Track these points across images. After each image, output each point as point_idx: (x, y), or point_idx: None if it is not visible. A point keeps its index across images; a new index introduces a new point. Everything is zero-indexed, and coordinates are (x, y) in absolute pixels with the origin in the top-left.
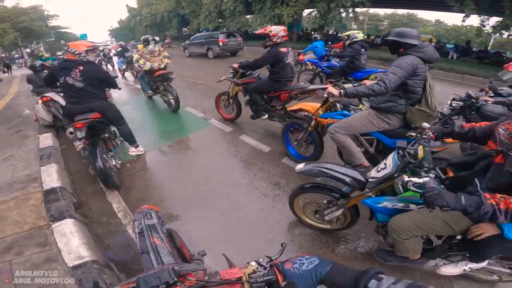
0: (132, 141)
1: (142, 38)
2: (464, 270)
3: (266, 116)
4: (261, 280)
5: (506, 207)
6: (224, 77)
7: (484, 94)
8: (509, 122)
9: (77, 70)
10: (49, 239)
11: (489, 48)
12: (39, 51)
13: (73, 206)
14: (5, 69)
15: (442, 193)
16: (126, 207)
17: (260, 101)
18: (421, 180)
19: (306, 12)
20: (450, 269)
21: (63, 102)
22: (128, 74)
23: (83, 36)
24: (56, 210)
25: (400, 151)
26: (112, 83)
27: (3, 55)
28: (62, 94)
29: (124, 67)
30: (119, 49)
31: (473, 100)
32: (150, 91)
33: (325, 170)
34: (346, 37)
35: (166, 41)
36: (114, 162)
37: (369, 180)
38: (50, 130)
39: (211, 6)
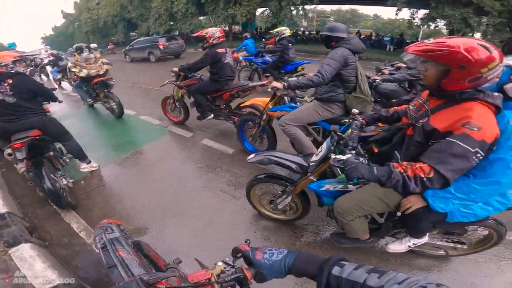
0: (83, 157)
1: (74, 46)
2: (409, 246)
3: (212, 116)
4: (229, 279)
5: (414, 174)
6: (167, 81)
7: (380, 75)
8: (418, 99)
9: (6, 84)
10: (9, 264)
11: (419, 39)
12: None
13: (26, 230)
14: None
15: (358, 166)
16: (88, 226)
17: (204, 101)
18: (344, 157)
19: (259, 11)
20: (396, 246)
21: None
22: (65, 83)
23: (12, 46)
24: (9, 236)
25: (333, 134)
26: (49, 96)
27: None
28: None
29: (59, 76)
30: (52, 58)
31: (369, 81)
32: (90, 100)
33: (273, 158)
34: (276, 34)
35: (108, 47)
36: (65, 182)
37: (310, 164)
38: None
39: (161, 9)
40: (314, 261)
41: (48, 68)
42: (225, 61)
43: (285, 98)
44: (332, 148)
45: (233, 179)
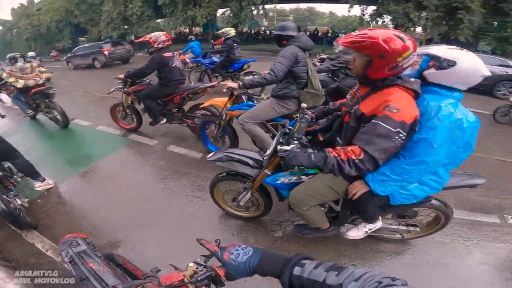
0: (35, 175)
1: (8, 56)
2: (366, 232)
3: (165, 120)
4: (202, 278)
5: (347, 157)
6: (113, 88)
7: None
8: (353, 89)
9: None
10: None
11: None
12: None
13: None
14: None
15: (297, 155)
16: (54, 245)
17: (155, 106)
18: (288, 147)
19: (220, 12)
20: (354, 233)
21: None
22: (4, 96)
23: None
24: None
25: (282, 128)
26: None
27: None
28: None
29: None
30: None
31: None
32: (30, 111)
33: (230, 155)
34: (222, 34)
35: (51, 54)
36: (19, 202)
37: (264, 158)
38: None
39: (113, 13)
40: (277, 261)
41: None
42: (173, 65)
43: (243, 97)
44: (280, 140)
45: (204, 183)
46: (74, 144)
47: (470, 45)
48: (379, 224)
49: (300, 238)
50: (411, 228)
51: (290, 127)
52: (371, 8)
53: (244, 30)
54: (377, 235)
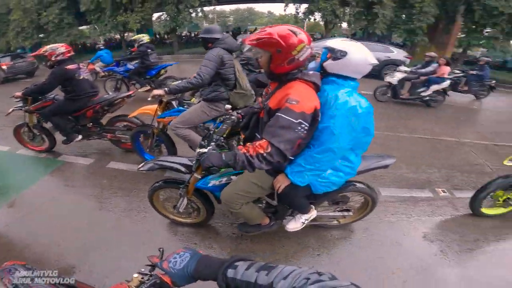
0: None
1: None
2: (303, 222)
3: (80, 137)
4: (148, 285)
5: (255, 152)
6: (12, 109)
7: None
8: (267, 88)
9: None
10: None
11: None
12: None
13: None
14: None
15: (210, 156)
16: None
17: (65, 123)
18: (205, 150)
19: (155, 15)
20: (293, 225)
21: None
22: None
23: None
24: None
25: (206, 130)
26: None
27: None
28: None
29: None
30: None
31: None
32: None
33: (161, 163)
34: (134, 41)
35: None
36: None
37: (193, 163)
38: None
39: (23, 22)
40: (213, 265)
41: None
42: (80, 77)
43: (173, 102)
44: (202, 143)
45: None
46: None
47: (385, 38)
48: (314, 213)
49: (263, 236)
50: (345, 213)
51: (212, 129)
52: (304, 6)
53: (184, 33)
54: (317, 223)
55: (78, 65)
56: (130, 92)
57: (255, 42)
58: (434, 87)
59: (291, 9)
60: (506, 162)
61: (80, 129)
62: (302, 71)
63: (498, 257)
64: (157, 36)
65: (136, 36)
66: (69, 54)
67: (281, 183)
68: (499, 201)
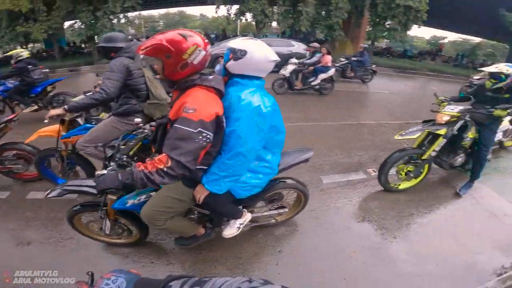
0: None
1: None
2: (238, 227)
3: None
4: None
5: (155, 168)
6: None
7: None
8: (175, 91)
9: None
10: None
11: (238, 33)
12: None
13: None
14: None
15: (105, 178)
16: None
17: None
18: (105, 171)
19: (67, 24)
20: (229, 231)
21: None
22: None
23: None
24: None
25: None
26: None
27: None
28: None
29: None
30: None
31: None
32: None
33: (69, 188)
34: (9, 58)
35: None
36: None
37: None
38: None
39: None
40: (150, 286)
41: None
42: None
43: (78, 120)
44: (106, 163)
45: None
46: None
47: (309, 34)
48: (248, 216)
49: (222, 243)
50: (281, 211)
51: (120, 147)
52: (235, 7)
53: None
54: (257, 224)
55: None
56: (11, 116)
57: (145, 50)
58: (322, 76)
59: (223, 10)
60: (397, 137)
61: None
62: (202, 76)
63: (434, 228)
64: (71, 45)
65: (13, 52)
66: None
67: (200, 193)
68: (401, 174)
